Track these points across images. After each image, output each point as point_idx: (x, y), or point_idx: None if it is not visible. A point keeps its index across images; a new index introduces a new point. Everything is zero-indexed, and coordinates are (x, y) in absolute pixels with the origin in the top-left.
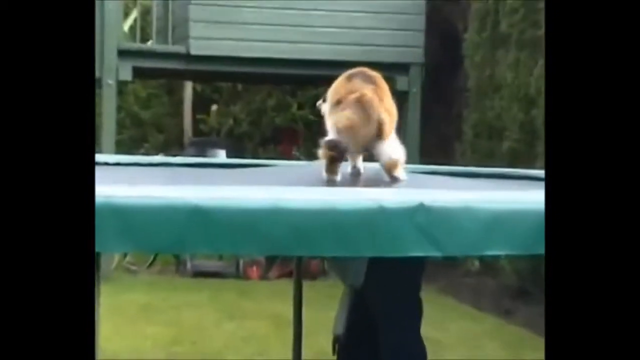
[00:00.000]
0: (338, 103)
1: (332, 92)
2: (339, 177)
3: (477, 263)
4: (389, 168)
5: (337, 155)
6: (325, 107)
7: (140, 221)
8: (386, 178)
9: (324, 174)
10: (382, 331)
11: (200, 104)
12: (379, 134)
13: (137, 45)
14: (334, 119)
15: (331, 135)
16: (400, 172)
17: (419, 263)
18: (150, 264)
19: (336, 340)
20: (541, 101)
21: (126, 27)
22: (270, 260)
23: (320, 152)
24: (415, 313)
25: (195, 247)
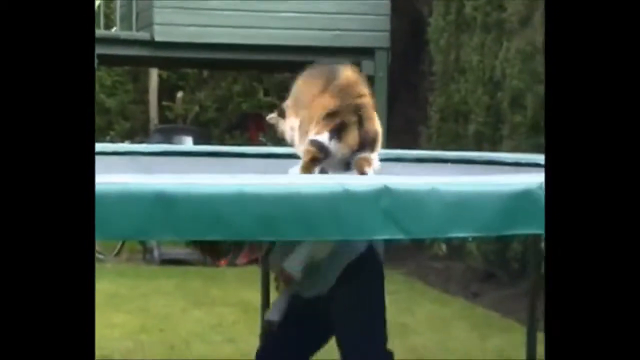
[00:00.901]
0: (332, 114)
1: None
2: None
3: (444, 247)
4: (359, 165)
5: (321, 157)
6: (302, 115)
7: (105, 208)
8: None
9: (298, 171)
10: (345, 349)
11: (166, 91)
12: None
13: (101, 32)
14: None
15: (319, 138)
16: (369, 170)
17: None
18: (118, 252)
19: (267, 324)
20: (506, 84)
21: None
22: (238, 247)
23: (303, 148)
24: (381, 330)
25: (159, 234)
